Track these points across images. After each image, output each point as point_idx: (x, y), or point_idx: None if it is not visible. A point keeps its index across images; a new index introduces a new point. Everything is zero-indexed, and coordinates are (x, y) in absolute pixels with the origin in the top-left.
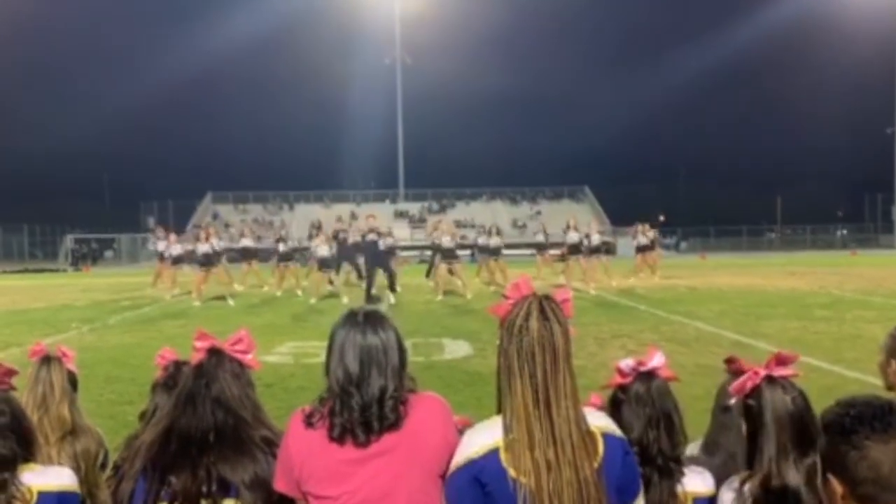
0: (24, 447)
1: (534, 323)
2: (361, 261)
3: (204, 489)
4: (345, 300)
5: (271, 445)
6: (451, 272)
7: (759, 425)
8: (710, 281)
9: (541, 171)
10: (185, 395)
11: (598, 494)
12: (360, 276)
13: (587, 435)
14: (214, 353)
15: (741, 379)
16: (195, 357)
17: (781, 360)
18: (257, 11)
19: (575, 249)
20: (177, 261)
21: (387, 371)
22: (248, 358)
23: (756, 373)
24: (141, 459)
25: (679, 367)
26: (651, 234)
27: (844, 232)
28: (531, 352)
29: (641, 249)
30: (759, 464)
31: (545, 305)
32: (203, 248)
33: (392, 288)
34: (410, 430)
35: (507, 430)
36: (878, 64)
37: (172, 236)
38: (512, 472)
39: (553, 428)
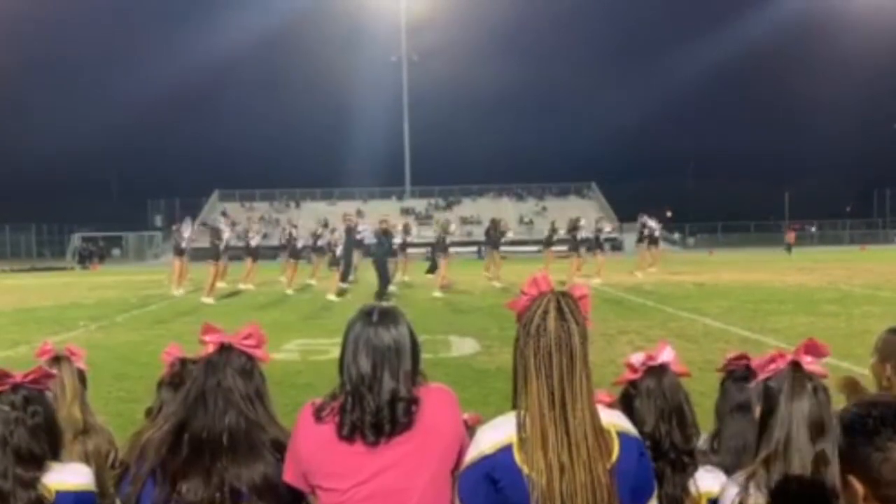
0: (53, 448)
1: (551, 323)
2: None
3: (217, 496)
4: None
5: (281, 448)
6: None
7: (774, 406)
8: (718, 277)
9: (547, 168)
10: (195, 393)
11: (611, 498)
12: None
13: (601, 434)
14: (224, 348)
15: (765, 358)
16: (203, 352)
17: (811, 350)
18: (263, 10)
19: (583, 244)
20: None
21: (399, 373)
22: (259, 352)
23: (782, 355)
24: (149, 461)
25: (687, 363)
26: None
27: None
28: (548, 353)
29: (653, 242)
30: (766, 442)
31: (563, 304)
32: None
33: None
34: (421, 427)
35: (521, 427)
36: (886, 59)
37: (191, 231)
38: (525, 469)
39: (568, 430)
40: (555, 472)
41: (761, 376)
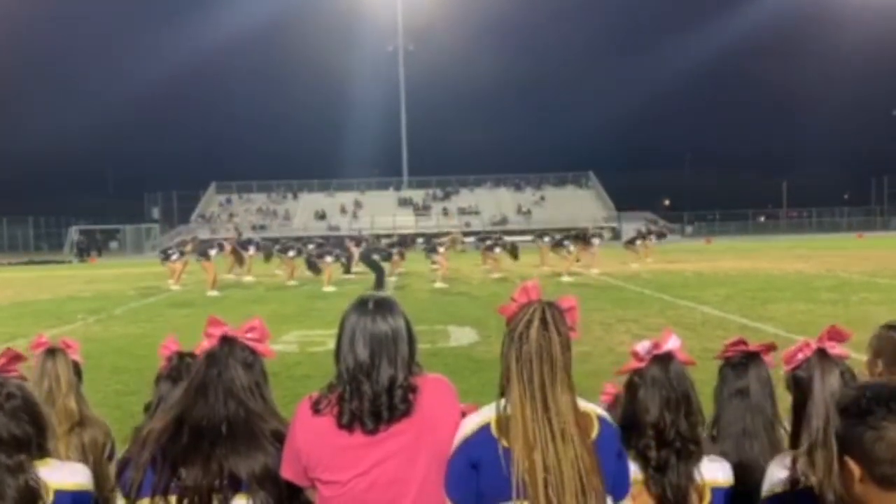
0: (38, 433)
1: (533, 333)
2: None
3: (216, 483)
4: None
5: (281, 439)
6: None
7: (808, 395)
8: (716, 265)
9: (545, 158)
10: (196, 383)
11: (598, 493)
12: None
13: (581, 416)
14: (227, 340)
15: (792, 350)
16: (207, 344)
17: (834, 336)
18: (259, 2)
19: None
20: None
21: (396, 360)
22: (261, 346)
23: (808, 345)
24: (150, 449)
25: (685, 351)
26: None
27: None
28: (529, 360)
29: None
30: (806, 431)
31: (548, 315)
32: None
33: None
34: (419, 416)
35: (499, 410)
36: (883, 47)
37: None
38: (504, 443)
39: (552, 431)
40: (539, 473)
41: (790, 367)
